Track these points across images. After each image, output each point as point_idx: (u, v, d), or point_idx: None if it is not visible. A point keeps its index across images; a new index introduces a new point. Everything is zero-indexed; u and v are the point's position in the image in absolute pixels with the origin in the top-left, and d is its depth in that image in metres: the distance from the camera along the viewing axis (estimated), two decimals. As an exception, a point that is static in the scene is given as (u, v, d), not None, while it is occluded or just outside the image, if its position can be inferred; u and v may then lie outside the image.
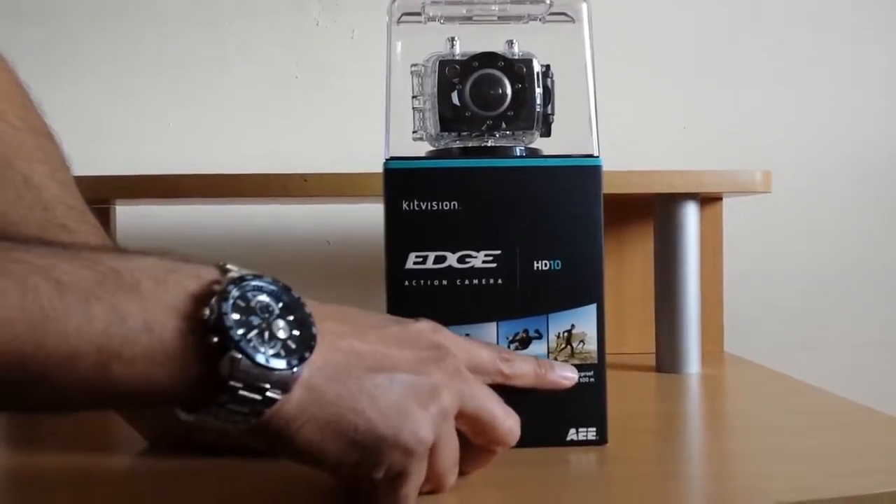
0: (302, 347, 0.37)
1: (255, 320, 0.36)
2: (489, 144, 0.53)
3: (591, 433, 0.51)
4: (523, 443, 0.50)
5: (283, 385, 0.36)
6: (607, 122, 1.14)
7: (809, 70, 1.08)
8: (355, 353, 0.40)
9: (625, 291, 0.93)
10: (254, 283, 0.38)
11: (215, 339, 0.35)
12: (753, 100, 1.08)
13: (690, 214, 0.80)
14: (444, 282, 0.50)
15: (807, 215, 1.08)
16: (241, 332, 0.36)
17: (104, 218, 0.90)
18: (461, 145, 0.53)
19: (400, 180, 0.50)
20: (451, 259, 0.50)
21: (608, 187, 0.78)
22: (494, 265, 0.50)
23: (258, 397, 0.36)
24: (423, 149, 0.54)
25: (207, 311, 0.35)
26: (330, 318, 0.40)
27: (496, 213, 0.50)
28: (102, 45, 1.06)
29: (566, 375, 0.51)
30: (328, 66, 1.07)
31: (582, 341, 0.51)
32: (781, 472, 0.48)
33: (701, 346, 0.81)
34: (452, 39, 0.52)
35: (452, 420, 0.42)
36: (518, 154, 0.52)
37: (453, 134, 0.52)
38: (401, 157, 0.51)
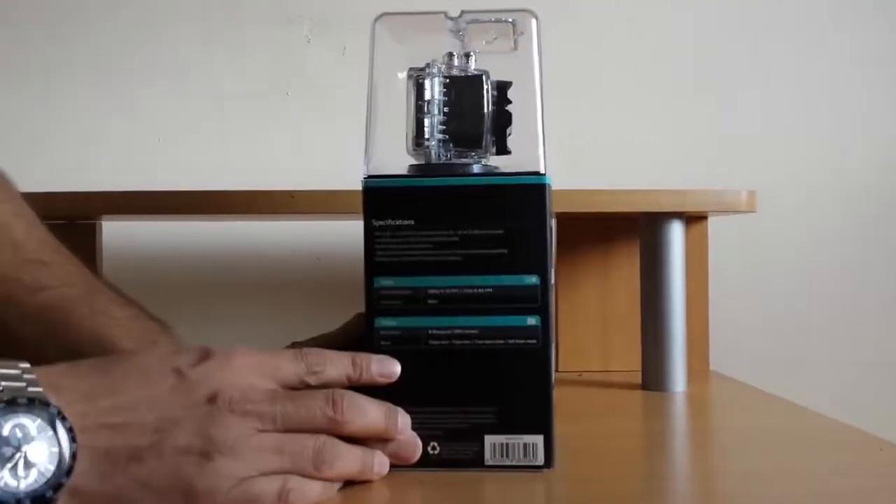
0: (59, 472, 0.38)
1: (7, 451, 0.37)
2: (449, 161, 0.53)
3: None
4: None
5: None
6: (593, 140, 1.15)
7: (796, 88, 1.09)
8: (118, 444, 0.40)
9: (611, 309, 0.94)
10: (7, 408, 0.38)
11: None
12: (740, 117, 1.08)
13: (676, 233, 0.80)
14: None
15: (793, 233, 1.08)
16: None
17: (90, 234, 0.90)
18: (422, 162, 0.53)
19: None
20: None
21: (595, 206, 0.79)
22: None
23: None
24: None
25: None
26: (89, 399, 0.40)
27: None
28: (91, 59, 1.07)
29: (384, 373, 0.49)
30: (319, 83, 1.07)
31: None
32: (765, 491, 0.48)
33: (687, 364, 0.81)
34: (451, 55, 0.53)
35: (242, 458, 0.42)
36: (476, 171, 0.52)
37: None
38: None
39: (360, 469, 0.46)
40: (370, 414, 0.47)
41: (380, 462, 0.48)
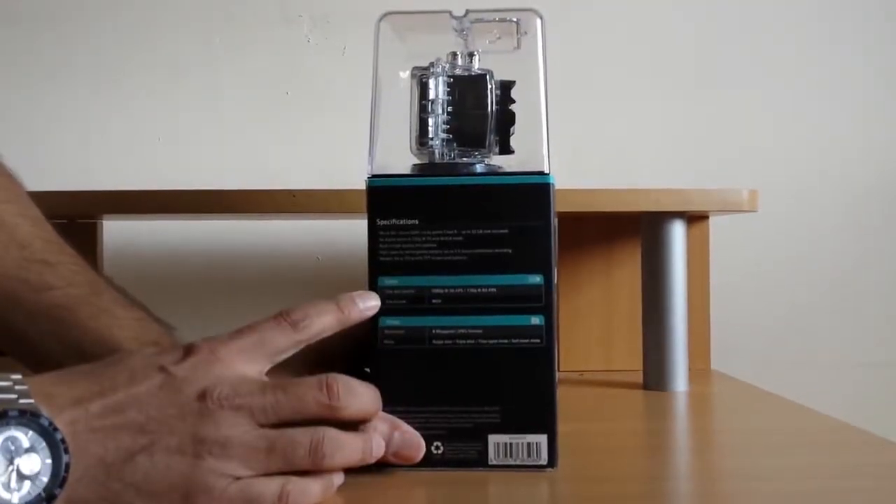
0: (52, 483, 0.37)
1: None
2: (452, 160, 0.53)
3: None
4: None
5: None
6: (594, 140, 1.15)
7: (797, 88, 1.09)
8: (110, 448, 0.39)
9: (612, 309, 0.94)
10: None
11: None
12: (742, 117, 1.09)
13: (677, 232, 0.80)
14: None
15: (794, 233, 1.08)
16: None
17: (90, 233, 0.90)
18: (426, 161, 0.53)
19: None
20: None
21: (596, 206, 0.79)
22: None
23: None
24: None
25: None
26: (79, 404, 0.40)
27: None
28: (92, 59, 1.06)
29: (368, 306, 0.50)
30: (319, 83, 1.07)
31: None
32: (767, 491, 0.48)
33: (688, 363, 0.81)
34: (455, 54, 0.53)
35: (237, 449, 0.41)
36: (480, 171, 0.52)
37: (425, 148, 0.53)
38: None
39: (361, 457, 0.46)
40: (364, 396, 0.47)
41: (377, 444, 0.47)
